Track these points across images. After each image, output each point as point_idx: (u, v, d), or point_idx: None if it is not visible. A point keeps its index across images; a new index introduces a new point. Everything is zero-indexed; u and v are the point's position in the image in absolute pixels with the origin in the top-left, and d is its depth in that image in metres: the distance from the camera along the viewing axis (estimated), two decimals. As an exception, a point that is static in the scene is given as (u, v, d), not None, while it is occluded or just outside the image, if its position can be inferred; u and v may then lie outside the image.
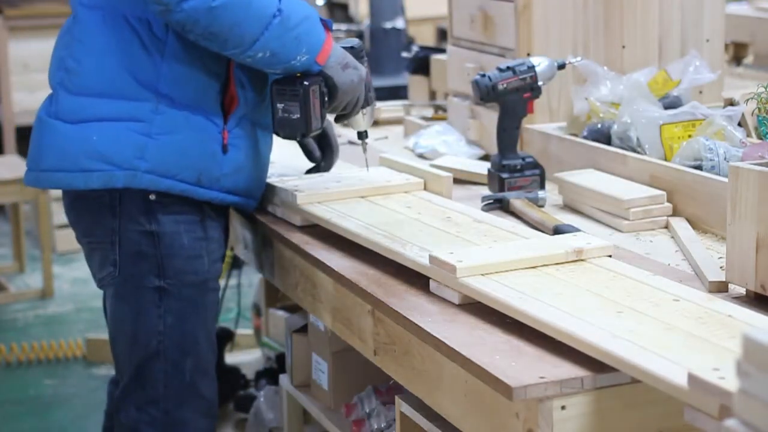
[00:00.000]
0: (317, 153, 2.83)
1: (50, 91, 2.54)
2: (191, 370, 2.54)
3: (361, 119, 2.67)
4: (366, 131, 2.71)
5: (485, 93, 2.65)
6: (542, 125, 2.96)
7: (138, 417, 2.54)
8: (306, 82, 2.48)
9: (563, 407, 1.73)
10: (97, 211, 2.48)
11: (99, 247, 2.51)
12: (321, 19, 2.48)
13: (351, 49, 2.57)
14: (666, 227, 2.48)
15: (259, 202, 2.68)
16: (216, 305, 2.62)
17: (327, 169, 2.83)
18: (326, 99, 2.51)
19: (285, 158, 2.94)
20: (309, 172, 2.84)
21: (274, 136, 2.64)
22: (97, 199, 2.47)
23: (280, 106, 2.50)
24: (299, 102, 2.48)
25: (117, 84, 2.43)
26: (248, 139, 2.55)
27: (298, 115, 2.50)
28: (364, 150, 2.73)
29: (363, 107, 2.63)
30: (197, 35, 2.38)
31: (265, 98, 2.58)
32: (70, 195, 2.53)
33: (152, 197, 2.46)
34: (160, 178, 2.44)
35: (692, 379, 1.57)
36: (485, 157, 3.06)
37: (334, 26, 5.43)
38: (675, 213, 2.49)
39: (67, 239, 6.11)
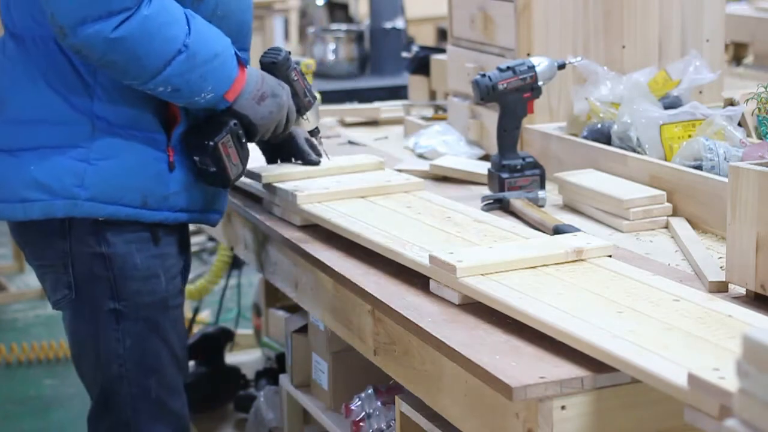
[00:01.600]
0: (312, 156, 2.76)
1: None
2: (157, 389, 2.48)
3: (305, 123, 2.65)
4: (317, 128, 2.68)
5: (485, 93, 2.65)
6: (542, 125, 2.96)
7: None
8: (214, 141, 2.38)
9: (563, 407, 1.73)
10: (46, 235, 2.40)
11: (50, 270, 2.44)
12: (236, 54, 2.38)
13: (273, 65, 2.51)
14: (666, 227, 2.48)
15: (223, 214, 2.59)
16: (179, 321, 2.54)
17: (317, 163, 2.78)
18: (243, 140, 2.43)
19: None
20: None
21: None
22: (46, 223, 2.38)
23: (196, 158, 2.41)
24: (209, 158, 2.40)
25: (50, 109, 2.34)
26: None
27: (214, 169, 2.41)
28: (320, 143, 2.72)
29: (301, 114, 2.58)
30: (94, 62, 2.28)
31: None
32: (13, 221, 2.45)
33: (101, 219, 2.37)
34: (102, 204, 2.35)
35: (692, 379, 1.57)
36: (485, 157, 3.06)
37: (334, 26, 5.45)
38: (675, 213, 2.49)
39: (67, 239, 6.11)
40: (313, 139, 2.74)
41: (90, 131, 2.35)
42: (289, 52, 2.58)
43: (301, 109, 2.59)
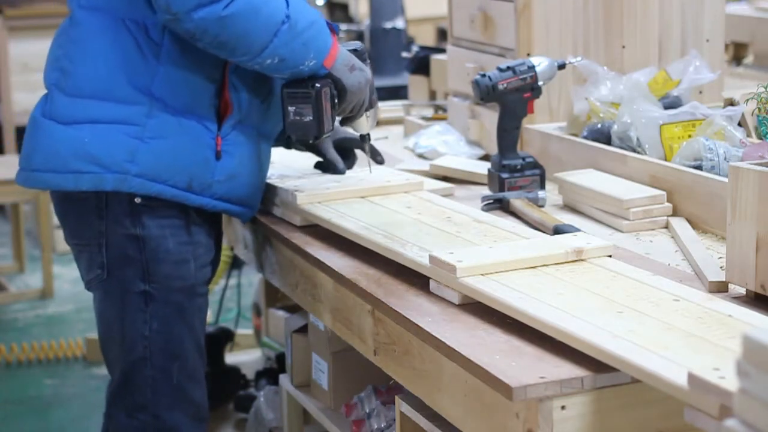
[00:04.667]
0: (341, 165, 2.79)
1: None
2: (178, 375, 2.51)
3: (365, 122, 2.67)
4: (369, 134, 2.71)
5: (485, 93, 2.65)
6: (542, 125, 2.96)
7: (128, 423, 2.52)
8: (317, 85, 2.47)
9: (563, 407, 1.73)
10: (83, 213, 2.46)
11: (86, 249, 2.49)
12: (327, 23, 2.48)
13: (354, 52, 2.57)
14: (666, 227, 2.48)
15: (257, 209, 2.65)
16: (204, 310, 2.59)
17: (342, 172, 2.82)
18: (335, 101, 2.50)
19: (285, 160, 2.93)
20: (318, 166, 2.82)
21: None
22: (83, 201, 2.45)
23: (291, 109, 2.49)
24: (311, 104, 2.47)
25: (111, 87, 2.42)
26: (244, 147, 2.52)
27: (311, 118, 2.48)
28: (367, 152, 2.73)
29: (367, 109, 2.62)
30: (206, 44, 2.36)
31: (265, 105, 2.57)
32: (57, 196, 2.51)
33: (138, 200, 2.43)
34: (150, 182, 2.42)
35: (692, 378, 1.57)
36: (485, 157, 3.06)
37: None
38: (675, 213, 2.49)
39: (67, 239, 6.11)
40: (365, 145, 2.73)
41: (147, 111, 2.42)
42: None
43: (370, 103, 2.62)
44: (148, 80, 2.42)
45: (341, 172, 2.78)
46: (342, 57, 2.50)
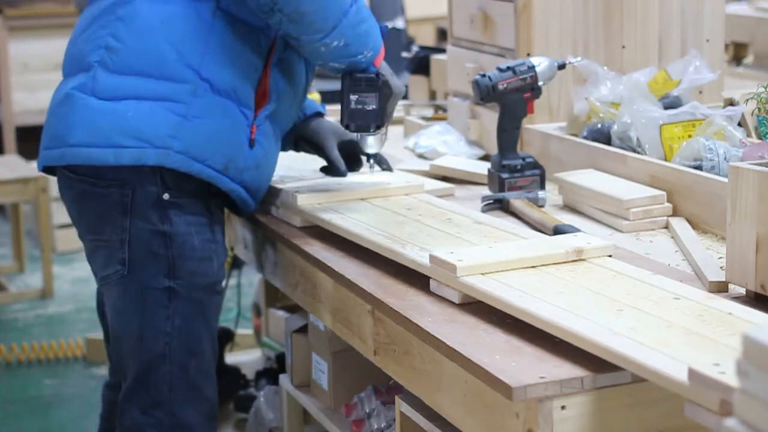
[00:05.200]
0: (343, 167, 2.77)
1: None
2: (195, 372, 2.53)
3: (374, 141, 2.68)
4: (377, 154, 2.72)
5: (485, 93, 2.65)
6: (542, 125, 2.96)
7: (143, 420, 2.51)
8: (382, 75, 2.49)
9: (563, 407, 1.73)
10: (105, 209, 2.46)
11: (105, 245, 2.49)
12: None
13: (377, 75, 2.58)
14: (666, 227, 2.48)
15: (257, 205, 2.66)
16: (220, 307, 2.63)
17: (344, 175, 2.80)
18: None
19: (285, 161, 2.91)
20: (324, 170, 2.81)
21: None
22: (105, 196, 2.45)
23: (353, 97, 2.49)
24: (376, 93, 2.48)
25: (161, 63, 2.43)
26: (271, 139, 2.56)
27: (374, 107, 2.48)
28: (372, 166, 2.75)
29: (380, 126, 2.61)
30: (285, 15, 2.39)
31: (292, 103, 2.59)
32: (75, 189, 2.50)
33: (166, 197, 2.45)
34: (191, 160, 2.43)
35: (692, 374, 1.58)
36: (485, 157, 3.06)
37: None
38: (675, 213, 2.49)
39: (67, 239, 6.11)
40: (371, 163, 2.74)
41: (193, 90, 2.44)
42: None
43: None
44: (198, 60, 2.44)
45: (342, 175, 2.77)
46: (386, 61, 2.56)
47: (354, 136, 2.74)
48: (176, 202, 2.46)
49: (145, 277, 2.47)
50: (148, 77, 2.43)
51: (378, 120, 2.51)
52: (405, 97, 4.01)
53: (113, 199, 2.45)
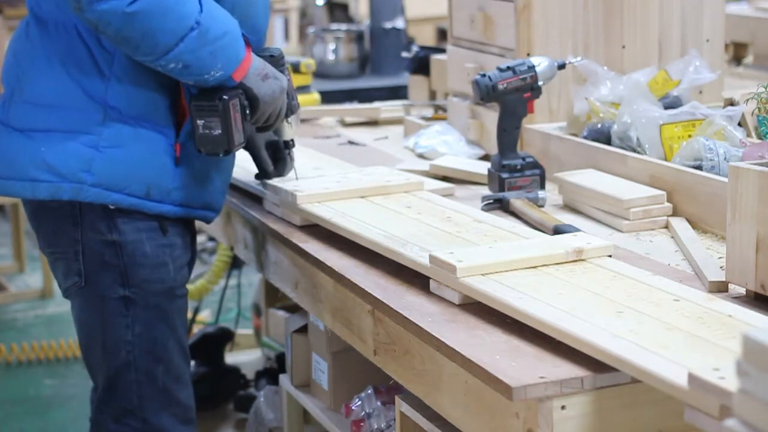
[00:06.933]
0: (271, 167, 2.74)
1: None
2: (164, 378, 2.51)
3: (287, 128, 2.65)
4: (292, 140, 2.70)
5: (485, 93, 2.65)
6: (542, 125, 2.96)
7: (117, 429, 2.51)
8: (225, 97, 2.40)
9: (563, 407, 1.73)
10: (58, 221, 2.44)
11: (62, 257, 2.48)
12: (242, 35, 2.41)
13: (271, 58, 2.52)
14: (666, 227, 2.48)
15: (218, 213, 2.61)
16: (184, 311, 2.58)
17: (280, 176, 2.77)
18: (247, 112, 2.44)
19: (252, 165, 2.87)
20: (258, 177, 2.77)
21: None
22: (58, 209, 2.43)
23: (200, 122, 2.42)
24: (219, 117, 2.40)
25: (65, 95, 2.39)
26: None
27: (219, 131, 2.42)
28: (291, 159, 2.72)
29: (287, 116, 2.59)
30: (109, 37, 2.32)
31: None
32: (31, 205, 2.49)
33: (112, 206, 2.41)
34: (107, 191, 2.39)
35: (692, 378, 1.57)
36: (485, 157, 3.06)
37: (334, 26, 5.45)
38: (675, 213, 2.49)
39: (67, 239, 6.10)
40: (288, 152, 2.72)
41: (101, 119, 2.40)
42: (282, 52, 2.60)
43: (288, 110, 2.59)
44: (102, 88, 2.39)
45: (269, 177, 2.74)
46: (254, 66, 2.44)
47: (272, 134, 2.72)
48: (123, 210, 2.42)
49: (101, 288, 2.46)
50: (57, 108, 2.40)
51: (225, 145, 2.43)
52: (404, 97, 4.03)
53: (64, 212, 2.43)
